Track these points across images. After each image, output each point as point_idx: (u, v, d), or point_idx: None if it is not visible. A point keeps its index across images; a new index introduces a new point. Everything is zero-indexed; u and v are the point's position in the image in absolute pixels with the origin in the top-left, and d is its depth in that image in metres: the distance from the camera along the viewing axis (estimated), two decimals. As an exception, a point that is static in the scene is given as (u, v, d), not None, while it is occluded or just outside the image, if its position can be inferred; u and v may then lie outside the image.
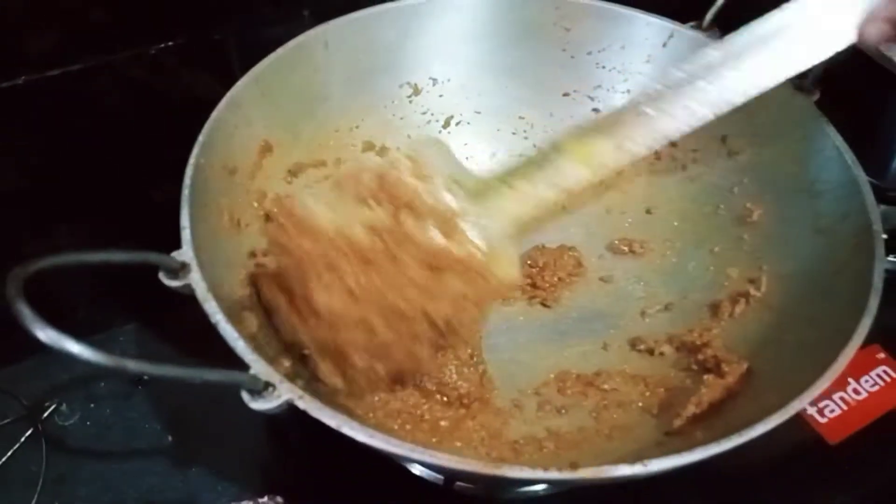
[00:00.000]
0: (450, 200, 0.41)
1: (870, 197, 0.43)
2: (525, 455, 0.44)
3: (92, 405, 0.62)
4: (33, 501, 0.55)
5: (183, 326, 0.61)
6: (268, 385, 0.32)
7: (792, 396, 0.35)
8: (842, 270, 0.44)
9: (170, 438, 0.61)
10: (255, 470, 0.59)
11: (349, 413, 0.37)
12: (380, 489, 0.51)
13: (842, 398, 0.57)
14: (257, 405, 0.32)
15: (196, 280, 0.36)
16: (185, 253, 0.37)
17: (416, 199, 0.40)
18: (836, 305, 0.42)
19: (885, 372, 0.59)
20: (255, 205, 0.48)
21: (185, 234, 0.38)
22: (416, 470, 0.50)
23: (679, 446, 0.34)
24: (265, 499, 0.55)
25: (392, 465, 0.51)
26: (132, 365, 0.28)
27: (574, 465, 0.32)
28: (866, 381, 0.58)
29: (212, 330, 0.55)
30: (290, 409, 0.49)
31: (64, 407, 0.61)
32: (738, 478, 0.53)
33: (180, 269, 0.36)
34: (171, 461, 0.59)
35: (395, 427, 0.45)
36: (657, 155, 0.57)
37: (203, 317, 0.41)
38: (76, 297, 0.62)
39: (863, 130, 0.51)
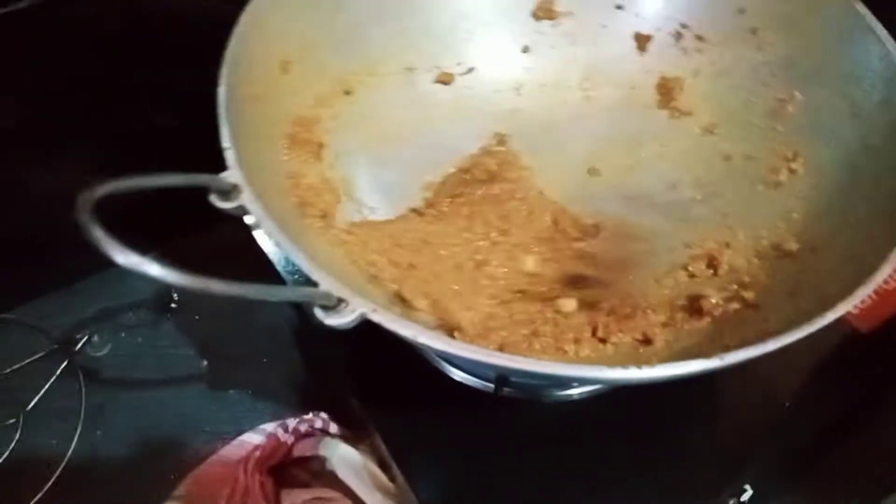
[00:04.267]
0: None
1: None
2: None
3: (122, 334, 0.61)
4: (77, 431, 0.56)
5: (203, 252, 0.60)
6: (340, 301, 0.32)
7: (829, 304, 0.34)
8: (879, 157, 0.43)
9: (204, 363, 0.61)
10: (291, 389, 0.60)
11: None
12: (428, 399, 0.52)
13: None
14: (332, 321, 0.32)
15: (249, 200, 0.35)
16: (233, 174, 0.36)
17: None
18: (875, 200, 0.42)
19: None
20: (282, 126, 0.46)
21: (230, 155, 0.36)
22: (470, 382, 0.50)
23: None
24: (310, 415, 0.55)
25: (440, 376, 0.51)
26: (216, 286, 0.27)
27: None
28: None
29: (241, 250, 0.54)
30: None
31: (95, 338, 0.60)
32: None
33: (231, 191, 0.35)
34: (208, 385, 0.60)
35: None
36: (685, 52, 0.56)
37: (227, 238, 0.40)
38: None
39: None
